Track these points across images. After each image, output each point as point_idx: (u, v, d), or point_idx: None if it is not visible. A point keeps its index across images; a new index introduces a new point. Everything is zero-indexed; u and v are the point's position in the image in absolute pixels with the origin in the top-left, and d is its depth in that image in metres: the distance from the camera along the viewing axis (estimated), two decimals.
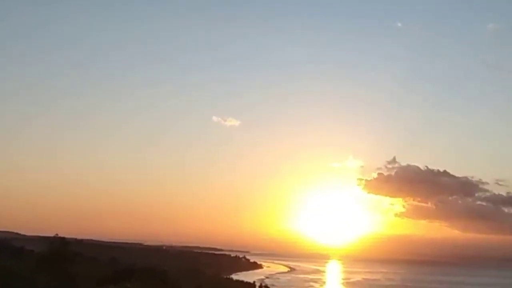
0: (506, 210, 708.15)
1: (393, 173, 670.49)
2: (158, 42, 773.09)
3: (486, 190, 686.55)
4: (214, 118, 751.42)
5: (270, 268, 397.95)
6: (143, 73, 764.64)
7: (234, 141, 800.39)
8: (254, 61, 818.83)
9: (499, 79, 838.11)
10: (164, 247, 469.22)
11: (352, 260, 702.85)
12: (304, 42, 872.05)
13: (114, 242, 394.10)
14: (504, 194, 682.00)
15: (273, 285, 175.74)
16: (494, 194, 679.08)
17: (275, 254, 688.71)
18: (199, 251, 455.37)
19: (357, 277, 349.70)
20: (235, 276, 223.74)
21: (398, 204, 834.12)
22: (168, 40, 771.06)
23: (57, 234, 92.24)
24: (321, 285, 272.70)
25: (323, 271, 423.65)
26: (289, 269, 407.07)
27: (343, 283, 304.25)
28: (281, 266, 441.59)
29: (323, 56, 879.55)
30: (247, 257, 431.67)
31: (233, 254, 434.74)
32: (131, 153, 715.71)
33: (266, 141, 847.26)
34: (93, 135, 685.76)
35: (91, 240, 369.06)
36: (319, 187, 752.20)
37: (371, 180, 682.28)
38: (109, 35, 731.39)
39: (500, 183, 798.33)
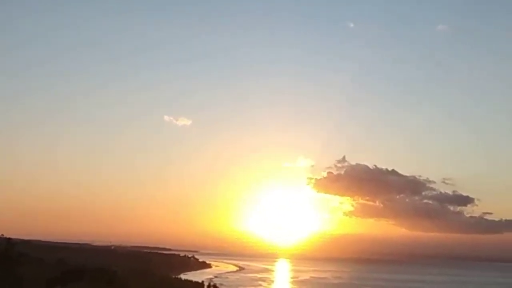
0: (452, 208, 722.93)
1: (342, 172, 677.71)
2: (109, 43, 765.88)
3: (433, 189, 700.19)
4: (166, 118, 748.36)
5: (219, 267, 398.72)
6: (94, 74, 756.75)
7: (185, 140, 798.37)
8: (206, 61, 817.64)
9: (447, 79, 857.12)
10: (113, 247, 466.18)
11: (301, 259, 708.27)
12: (256, 42, 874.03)
13: (61, 243, 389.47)
14: (450, 192, 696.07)
15: (221, 284, 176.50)
16: (441, 192, 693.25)
17: (224, 254, 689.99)
18: (149, 251, 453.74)
19: (306, 276, 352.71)
20: (184, 276, 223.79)
21: (347, 203, 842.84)
22: (119, 41, 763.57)
23: (2, 235, 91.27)
24: (269, 284, 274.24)
25: (272, 270, 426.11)
26: (238, 269, 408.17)
27: (291, 282, 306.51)
28: (230, 265, 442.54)
29: (275, 56, 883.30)
30: (196, 256, 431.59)
31: (182, 254, 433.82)
32: (81, 153, 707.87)
33: (218, 141, 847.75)
34: (42, 135, 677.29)
35: (38, 240, 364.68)
36: (269, 186, 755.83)
37: (321, 179, 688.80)
38: (60, 37, 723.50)
39: (447, 181, 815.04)
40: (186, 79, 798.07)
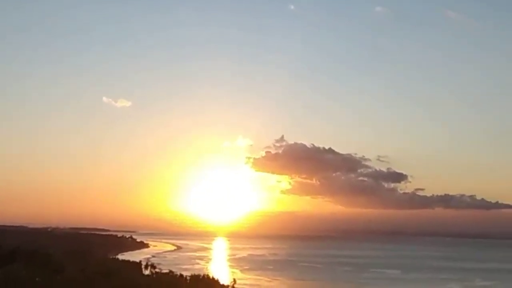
0: (386, 185, 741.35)
1: (280, 151, 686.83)
2: (44, 26, 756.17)
3: (368, 167, 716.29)
4: (105, 99, 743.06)
5: (157, 247, 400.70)
6: (29, 57, 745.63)
7: (125, 121, 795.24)
8: (146, 41, 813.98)
9: (385, 60, 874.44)
10: (50, 229, 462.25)
11: (239, 237, 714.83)
12: (195, 22, 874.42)
13: None
14: (384, 170, 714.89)
15: (159, 263, 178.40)
16: (376, 170, 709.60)
17: (162, 233, 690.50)
18: (86, 232, 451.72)
19: (243, 253, 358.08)
20: (121, 256, 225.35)
21: (284, 181, 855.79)
22: (55, 23, 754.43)
23: None
24: (207, 262, 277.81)
25: (210, 249, 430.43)
26: (176, 248, 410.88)
27: (228, 260, 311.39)
28: (168, 245, 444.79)
29: (214, 36, 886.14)
30: (134, 237, 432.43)
31: (119, 235, 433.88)
32: (18, 136, 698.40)
33: (157, 121, 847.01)
34: None
35: None
36: (208, 166, 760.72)
37: (259, 158, 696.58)
38: None
39: (382, 159, 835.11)
40: (125, 60, 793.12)
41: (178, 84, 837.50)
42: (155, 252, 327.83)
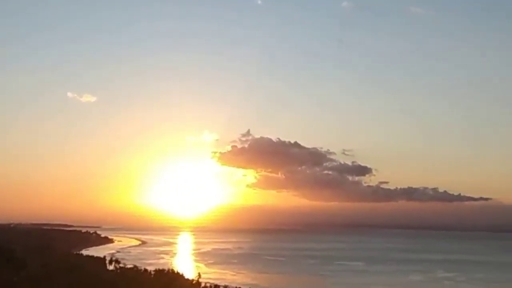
0: (350, 178, 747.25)
1: (246, 146, 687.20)
2: (11, 20, 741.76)
3: (333, 160, 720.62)
4: (69, 94, 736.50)
5: (121, 242, 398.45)
6: None
7: (90, 116, 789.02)
8: (111, 36, 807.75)
9: (349, 54, 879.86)
10: (12, 225, 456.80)
11: (204, 231, 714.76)
12: (161, 16, 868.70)
13: None
14: (349, 163, 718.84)
15: (123, 259, 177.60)
16: (340, 163, 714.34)
17: (127, 229, 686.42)
18: (49, 228, 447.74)
19: (208, 248, 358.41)
20: (85, 252, 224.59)
21: (250, 175, 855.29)
22: (22, 17, 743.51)
23: None
24: (171, 257, 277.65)
25: (175, 243, 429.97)
26: (140, 243, 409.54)
27: (193, 254, 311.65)
28: (133, 240, 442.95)
29: (180, 30, 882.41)
30: (98, 232, 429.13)
31: (84, 230, 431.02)
32: None
33: (123, 116, 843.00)
34: None
35: None
36: (174, 161, 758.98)
37: (225, 152, 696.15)
38: None
39: (347, 153, 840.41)
40: (91, 55, 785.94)
41: (144, 79, 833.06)
42: (120, 247, 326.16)
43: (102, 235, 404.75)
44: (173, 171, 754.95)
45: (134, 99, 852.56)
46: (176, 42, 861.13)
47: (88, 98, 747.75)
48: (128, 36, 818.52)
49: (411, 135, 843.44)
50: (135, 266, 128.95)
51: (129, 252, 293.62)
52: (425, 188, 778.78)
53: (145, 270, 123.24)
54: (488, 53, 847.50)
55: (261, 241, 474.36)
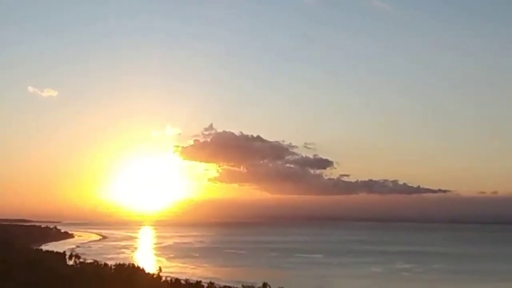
0: (312, 171, 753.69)
1: (209, 140, 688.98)
2: None
3: (295, 153, 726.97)
4: (30, 89, 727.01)
5: (82, 237, 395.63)
6: None
7: (51, 111, 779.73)
8: (73, 31, 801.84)
9: (311, 49, 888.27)
10: None
11: (166, 225, 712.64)
12: (125, 13, 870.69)
13: None
14: (311, 156, 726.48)
15: (84, 253, 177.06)
16: (302, 157, 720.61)
17: (88, 223, 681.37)
18: (8, 223, 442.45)
19: (169, 242, 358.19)
20: (45, 247, 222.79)
21: (212, 169, 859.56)
22: None
23: None
24: (132, 251, 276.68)
25: (136, 238, 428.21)
26: (101, 237, 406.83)
27: (154, 248, 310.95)
28: (94, 234, 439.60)
29: (143, 26, 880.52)
30: (59, 227, 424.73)
31: (43, 225, 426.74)
32: None
33: (85, 111, 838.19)
34: None
35: None
36: (136, 155, 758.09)
37: (187, 147, 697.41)
38: None
39: (309, 146, 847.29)
40: (52, 51, 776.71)
41: (106, 74, 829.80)
42: (80, 242, 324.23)
43: (62, 230, 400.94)
44: (135, 166, 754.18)
45: (96, 94, 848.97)
46: (139, 38, 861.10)
47: (49, 92, 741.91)
48: (91, 32, 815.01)
49: (372, 128, 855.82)
50: (95, 261, 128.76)
51: (90, 247, 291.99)
52: (385, 181, 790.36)
53: (105, 264, 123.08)
54: (450, 48, 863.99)
55: (223, 234, 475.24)
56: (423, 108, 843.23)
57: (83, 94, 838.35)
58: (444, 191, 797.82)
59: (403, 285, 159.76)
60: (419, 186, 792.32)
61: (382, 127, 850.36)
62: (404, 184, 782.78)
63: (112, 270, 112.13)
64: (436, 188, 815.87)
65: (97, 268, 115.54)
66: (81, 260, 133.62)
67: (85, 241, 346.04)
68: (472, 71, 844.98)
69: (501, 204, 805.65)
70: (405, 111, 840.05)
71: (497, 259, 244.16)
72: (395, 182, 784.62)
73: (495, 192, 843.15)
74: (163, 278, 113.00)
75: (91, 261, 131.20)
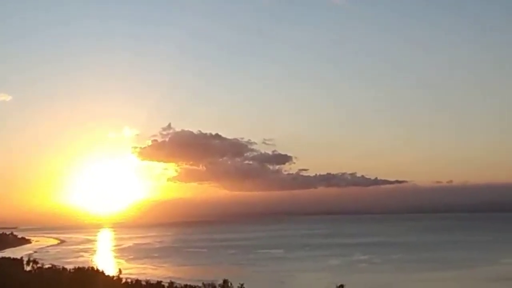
0: (271, 167, 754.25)
1: (167, 139, 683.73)
2: None
3: (254, 150, 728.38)
4: None
5: (39, 242, 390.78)
6: None
7: (5, 116, 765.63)
8: (28, 36, 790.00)
9: (268, 47, 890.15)
10: None
11: (125, 227, 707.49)
12: (81, 15, 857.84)
13: None
14: (270, 152, 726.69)
15: (41, 259, 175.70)
16: (261, 153, 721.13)
17: (46, 228, 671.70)
18: None
19: (129, 243, 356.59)
20: (1, 254, 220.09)
21: (171, 168, 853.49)
22: None
23: None
24: (91, 254, 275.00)
25: (95, 240, 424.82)
26: (59, 242, 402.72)
27: (114, 250, 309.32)
28: (51, 239, 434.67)
29: (99, 28, 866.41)
30: (15, 233, 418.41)
31: None
32: None
33: (41, 115, 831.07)
34: None
35: None
36: (94, 158, 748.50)
37: (145, 147, 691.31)
38: None
39: (267, 142, 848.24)
40: (5, 55, 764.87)
41: (62, 77, 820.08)
42: (38, 248, 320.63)
43: (19, 236, 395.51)
44: (93, 168, 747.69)
45: (51, 97, 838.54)
46: (94, 41, 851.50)
47: (3, 97, 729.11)
48: (46, 36, 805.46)
49: (330, 123, 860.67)
50: (53, 266, 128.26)
51: (47, 251, 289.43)
52: (344, 174, 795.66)
53: (64, 269, 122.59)
54: (406, 41, 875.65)
55: (182, 234, 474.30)
56: (379, 102, 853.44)
57: (39, 97, 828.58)
58: (401, 182, 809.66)
59: (360, 276, 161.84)
60: (376, 178, 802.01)
61: (340, 121, 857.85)
62: (362, 176, 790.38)
63: (71, 274, 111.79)
64: (393, 179, 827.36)
65: (55, 273, 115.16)
66: (39, 265, 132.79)
67: (43, 246, 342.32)
68: (429, 62, 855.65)
69: (456, 193, 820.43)
70: (361, 105, 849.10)
71: (453, 247, 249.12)
72: (353, 174, 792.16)
73: (451, 181, 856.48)
74: (123, 280, 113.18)
75: (49, 266, 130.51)
